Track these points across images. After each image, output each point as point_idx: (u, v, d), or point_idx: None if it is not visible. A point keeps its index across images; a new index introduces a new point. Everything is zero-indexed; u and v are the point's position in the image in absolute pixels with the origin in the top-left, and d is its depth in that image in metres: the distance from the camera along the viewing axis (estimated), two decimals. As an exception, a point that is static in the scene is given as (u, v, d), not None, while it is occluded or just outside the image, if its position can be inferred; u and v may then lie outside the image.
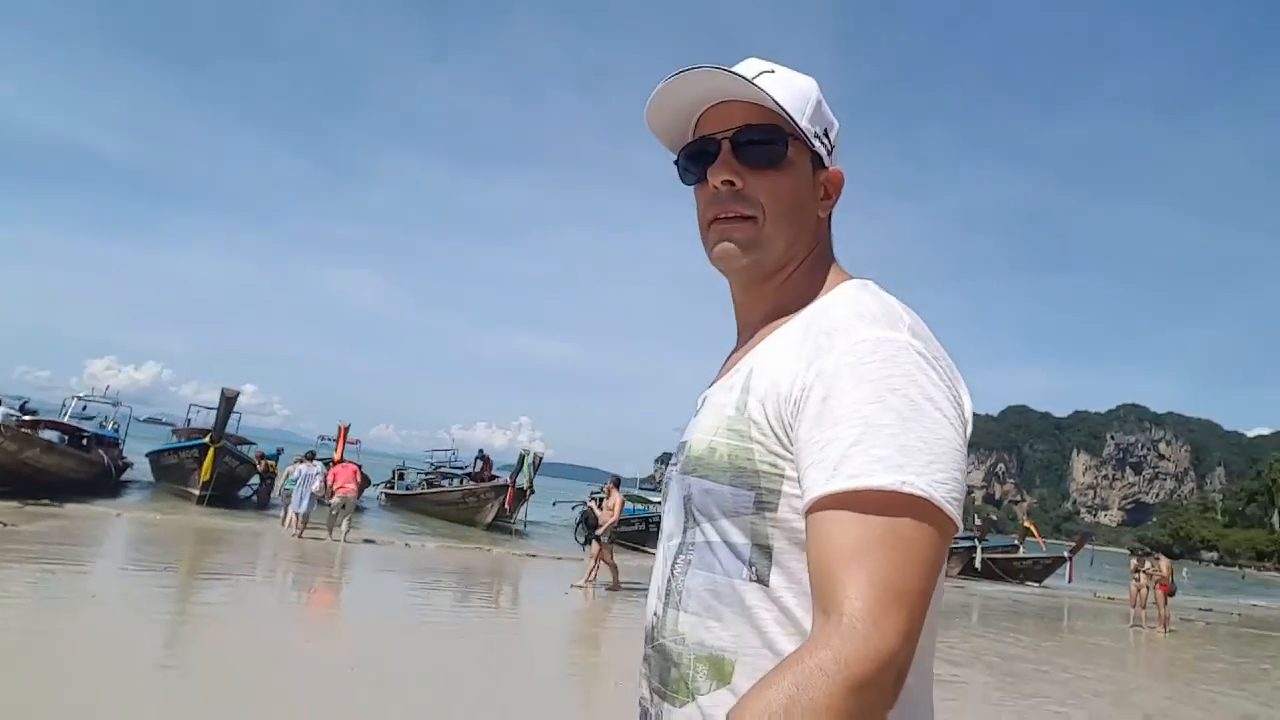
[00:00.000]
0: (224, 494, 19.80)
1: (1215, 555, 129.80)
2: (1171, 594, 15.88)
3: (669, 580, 0.92)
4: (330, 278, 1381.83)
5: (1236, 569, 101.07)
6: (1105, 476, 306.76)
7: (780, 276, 0.99)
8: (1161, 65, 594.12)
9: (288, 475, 15.85)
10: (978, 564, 26.10)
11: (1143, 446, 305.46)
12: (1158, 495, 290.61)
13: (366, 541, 14.74)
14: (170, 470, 20.52)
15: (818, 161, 0.99)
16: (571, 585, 11.82)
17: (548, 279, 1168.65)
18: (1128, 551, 21.10)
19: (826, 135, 1.00)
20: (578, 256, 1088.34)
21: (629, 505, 30.32)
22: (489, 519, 22.96)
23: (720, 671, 0.84)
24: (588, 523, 12.62)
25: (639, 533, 24.41)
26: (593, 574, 11.93)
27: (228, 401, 17.88)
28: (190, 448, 19.12)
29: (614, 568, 12.04)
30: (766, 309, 1.00)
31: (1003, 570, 26.72)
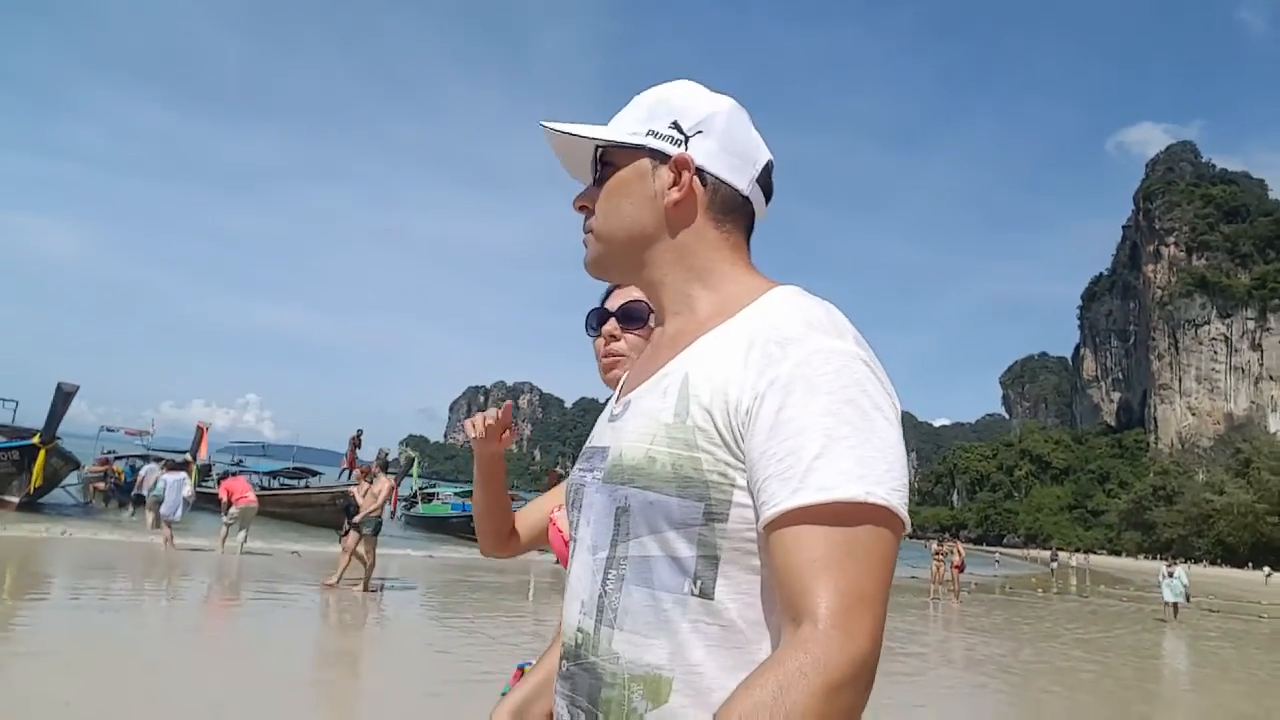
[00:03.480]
0: (38, 497, 17.64)
1: (910, 530, 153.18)
2: (961, 571, 19.75)
3: (600, 597, 0.88)
4: (7, 221, 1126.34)
5: (924, 542, 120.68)
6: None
7: (673, 280, 0.98)
8: (891, 98, 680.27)
9: (155, 483, 15.18)
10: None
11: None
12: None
13: (257, 554, 13.85)
14: None
15: (661, 157, 0.96)
16: (323, 583, 10.43)
17: (283, 241, 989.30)
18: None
19: (678, 127, 0.96)
20: (321, 220, 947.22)
21: (461, 502, 29.88)
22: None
23: (656, 692, 0.82)
24: (348, 512, 10.90)
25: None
26: (344, 571, 10.41)
27: (65, 397, 16.05)
28: (9, 449, 16.62)
29: (371, 564, 10.44)
30: (679, 310, 0.98)
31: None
